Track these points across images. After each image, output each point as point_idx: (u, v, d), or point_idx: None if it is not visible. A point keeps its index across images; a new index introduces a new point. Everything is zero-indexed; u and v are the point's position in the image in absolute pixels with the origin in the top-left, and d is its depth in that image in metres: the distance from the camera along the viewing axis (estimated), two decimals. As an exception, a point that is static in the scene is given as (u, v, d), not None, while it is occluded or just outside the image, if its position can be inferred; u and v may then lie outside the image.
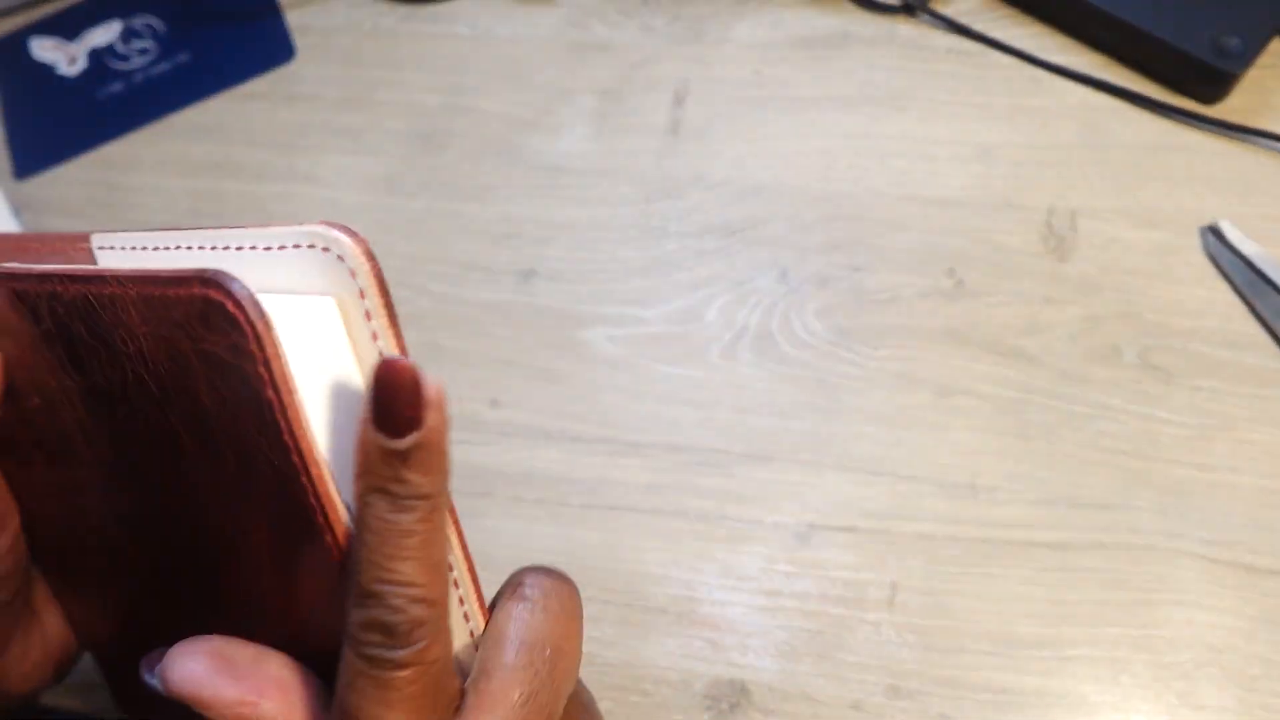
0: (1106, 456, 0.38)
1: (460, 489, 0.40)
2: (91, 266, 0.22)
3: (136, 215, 0.49)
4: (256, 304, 0.18)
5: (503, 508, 0.40)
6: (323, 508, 0.19)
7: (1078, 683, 0.35)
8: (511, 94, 0.49)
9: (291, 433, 0.19)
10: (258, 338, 0.18)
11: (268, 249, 0.20)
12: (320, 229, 0.19)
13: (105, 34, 0.54)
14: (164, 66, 0.53)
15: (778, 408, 0.40)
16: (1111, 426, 0.38)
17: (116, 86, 0.53)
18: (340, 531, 0.20)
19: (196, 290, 0.18)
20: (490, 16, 0.51)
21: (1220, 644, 0.35)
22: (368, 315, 0.20)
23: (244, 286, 0.18)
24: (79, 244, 0.23)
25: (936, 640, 0.36)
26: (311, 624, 0.22)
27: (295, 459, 0.19)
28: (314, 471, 0.19)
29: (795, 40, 0.48)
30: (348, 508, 0.20)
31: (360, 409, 0.19)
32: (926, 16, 0.47)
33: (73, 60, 0.54)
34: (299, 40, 0.52)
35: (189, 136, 0.51)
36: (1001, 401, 0.39)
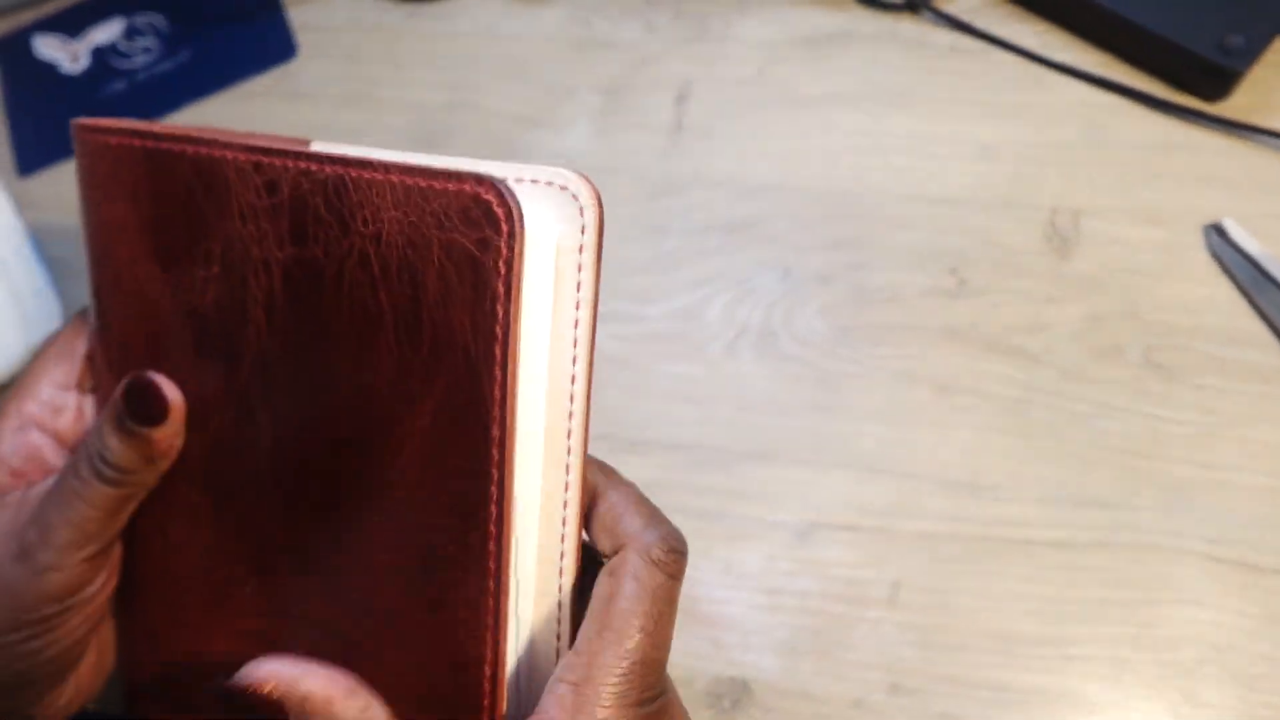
0: (1109, 455, 0.38)
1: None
2: (356, 152, 0.24)
3: (139, 213, 0.49)
4: (520, 212, 0.21)
5: (504, 505, 0.40)
6: (504, 398, 0.22)
7: (1080, 681, 0.35)
8: (514, 92, 0.49)
9: (505, 325, 0.22)
10: (510, 237, 0.21)
11: (518, 180, 0.23)
12: (567, 171, 0.22)
13: (108, 32, 0.54)
14: (166, 65, 0.53)
15: (779, 406, 0.40)
16: (1114, 425, 0.38)
17: (119, 85, 0.53)
18: (510, 424, 0.22)
19: (468, 187, 0.22)
20: (493, 14, 0.51)
21: (1222, 642, 0.35)
22: (579, 267, 0.23)
23: (514, 194, 0.21)
24: (299, 145, 0.26)
25: (938, 638, 0.36)
26: (429, 520, 0.24)
27: (498, 350, 0.22)
28: (510, 365, 0.22)
29: (798, 39, 0.48)
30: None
31: (537, 348, 0.22)
32: (929, 14, 0.47)
33: (75, 58, 0.54)
34: (301, 38, 0.52)
35: (192, 134, 0.51)
36: (1003, 400, 0.39)
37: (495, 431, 0.22)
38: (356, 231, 0.23)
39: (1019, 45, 0.45)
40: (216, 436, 0.27)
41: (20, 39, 0.54)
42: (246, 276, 0.25)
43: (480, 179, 0.22)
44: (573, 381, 0.23)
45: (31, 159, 0.51)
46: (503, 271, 0.22)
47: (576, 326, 0.23)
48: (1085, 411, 0.38)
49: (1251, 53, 0.40)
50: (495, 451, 0.23)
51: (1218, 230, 0.40)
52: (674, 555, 0.24)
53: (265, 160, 0.24)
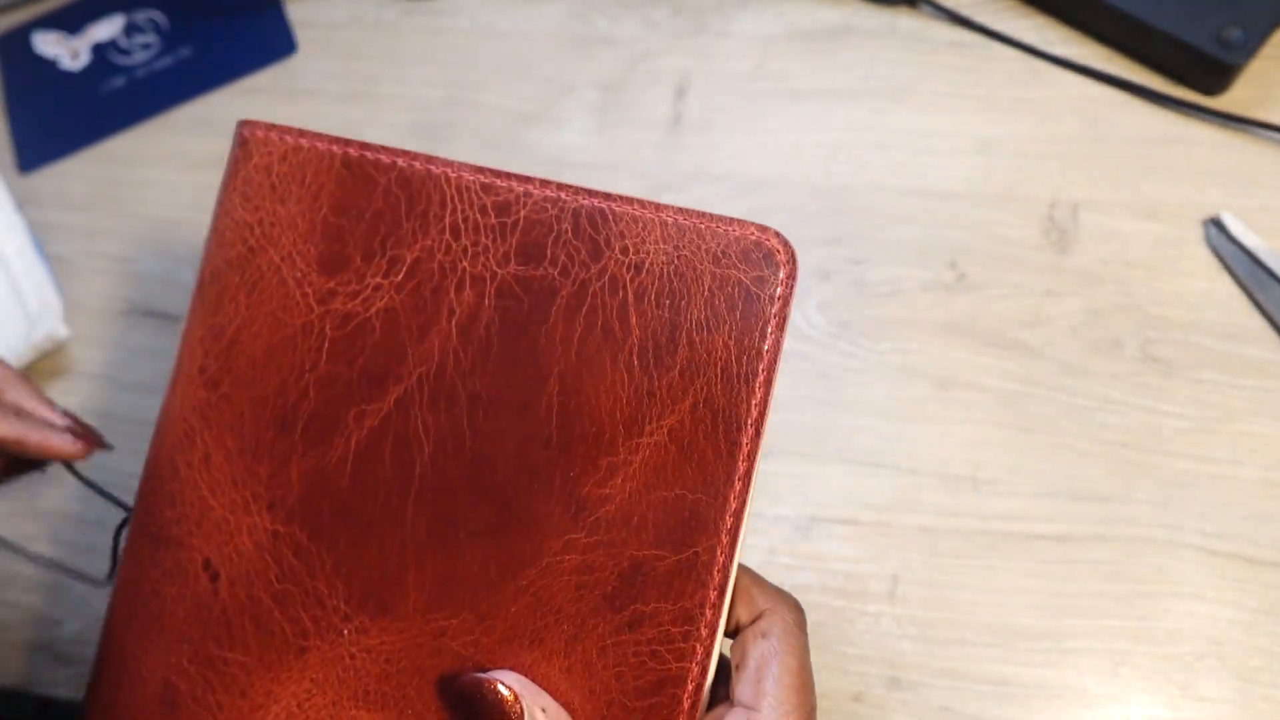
0: (1107, 449, 0.38)
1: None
2: (616, 192, 0.26)
3: (140, 209, 0.49)
4: (796, 258, 0.25)
5: (505, 500, 0.40)
6: (758, 417, 0.25)
7: (1078, 674, 0.35)
8: (513, 87, 0.49)
9: (773, 351, 0.25)
10: (789, 279, 0.25)
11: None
12: (770, 230, 0.26)
13: (108, 28, 0.54)
14: (166, 61, 0.53)
15: (779, 400, 0.40)
16: (1112, 419, 0.38)
17: (119, 81, 0.53)
18: (757, 443, 0.25)
19: (751, 233, 0.25)
20: (492, 10, 0.51)
21: (1220, 636, 0.35)
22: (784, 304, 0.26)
23: (790, 245, 0.25)
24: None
25: (937, 632, 0.36)
26: (638, 537, 0.25)
27: (763, 372, 0.25)
28: (769, 388, 0.25)
29: (797, 33, 0.48)
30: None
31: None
32: (928, 8, 0.47)
33: (75, 55, 0.54)
34: (300, 34, 0.52)
35: (191, 131, 0.51)
36: (1002, 394, 0.39)
37: (745, 447, 0.25)
38: (612, 259, 0.25)
39: (1018, 39, 0.45)
40: (344, 453, 0.26)
41: (20, 36, 0.54)
42: (444, 288, 0.26)
43: (763, 227, 0.25)
44: (762, 421, 0.26)
45: (32, 156, 0.51)
46: (777, 305, 0.25)
47: (774, 369, 0.26)
48: (1084, 405, 0.39)
49: (1250, 46, 0.40)
50: (742, 465, 0.25)
51: (1216, 224, 0.40)
52: (803, 615, 0.26)
53: (500, 183, 0.26)
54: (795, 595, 0.37)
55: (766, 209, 0.44)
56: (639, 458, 0.25)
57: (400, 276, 0.26)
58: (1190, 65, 0.42)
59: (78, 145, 0.51)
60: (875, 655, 0.36)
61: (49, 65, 0.54)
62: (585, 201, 0.26)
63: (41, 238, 0.49)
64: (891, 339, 0.41)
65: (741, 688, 0.25)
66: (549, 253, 0.25)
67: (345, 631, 0.25)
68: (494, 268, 0.26)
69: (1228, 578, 0.35)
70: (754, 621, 0.26)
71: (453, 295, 0.26)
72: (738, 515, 0.25)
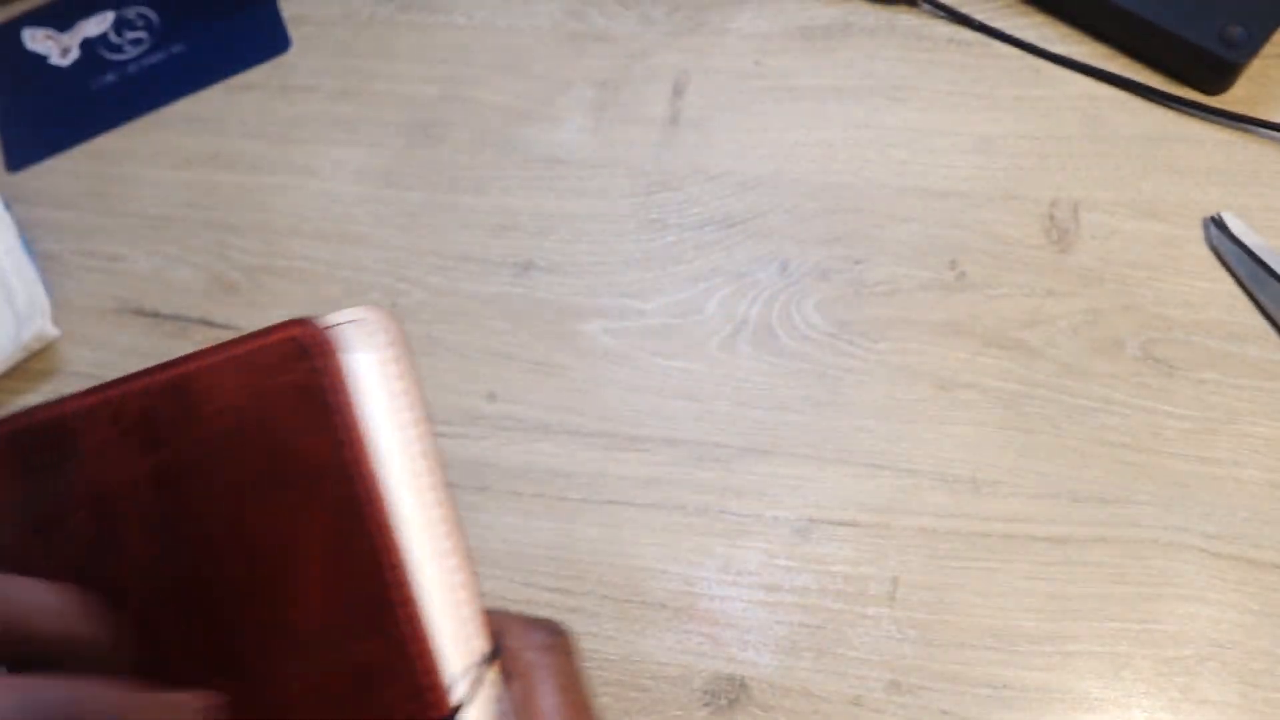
0: (1108, 450, 0.37)
1: (458, 483, 0.40)
2: (178, 356, 0.26)
3: (130, 207, 0.49)
4: (331, 333, 0.25)
5: (500, 502, 0.40)
6: (371, 498, 0.24)
7: (1079, 678, 0.34)
8: (509, 85, 0.48)
9: (349, 427, 0.24)
10: (329, 355, 0.24)
11: (323, 325, 0.25)
12: (358, 309, 0.25)
13: (98, 24, 0.53)
14: (158, 57, 0.52)
15: (777, 401, 0.40)
16: (1114, 420, 0.38)
17: (110, 77, 0.52)
18: (385, 516, 0.24)
19: (280, 334, 0.25)
20: (488, 7, 0.50)
21: (1223, 638, 0.34)
22: (399, 376, 0.25)
23: (319, 321, 0.24)
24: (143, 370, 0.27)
25: (937, 635, 0.36)
26: (349, 640, 0.25)
27: (348, 453, 0.24)
28: (366, 462, 0.24)
29: (796, 30, 0.47)
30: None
31: (389, 428, 0.25)
32: (928, 6, 0.46)
33: (65, 51, 0.53)
34: (294, 30, 0.52)
35: (183, 128, 0.50)
36: (1003, 395, 0.39)
37: (374, 532, 0.25)
38: (207, 417, 0.25)
39: (1018, 37, 0.45)
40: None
41: (9, 32, 0.54)
42: (116, 505, 0.26)
43: (289, 323, 0.25)
44: (430, 475, 0.25)
45: (21, 154, 0.51)
46: (336, 388, 0.25)
47: (416, 426, 0.25)
48: (1085, 406, 0.38)
49: (1252, 45, 0.40)
50: (383, 554, 0.25)
51: (1217, 223, 0.40)
52: (561, 638, 0.26)
53: (102, 397, 0.25)
54: (794, 598, 0.36)
55: (764, 208, 0.43)
56: (313, 576, 0.25)
57: (83, 512, 0.26)
58: (1192, 64, 0.42)
59: (67, 143, 0.51)
60: (875, 658, 0.36)
61: (39, 61, 0.53)
62: (166, 376, 0.25)
63: (30, 236, 0.48)
64: (890, 339, 0.40)
65: None
66: (163, 436, 0.25)
67: None
68: (139, 468, 0.25)
69: (1230, 580, 0.35)
70: (509, 665, 0.26)
71: (125, 507, 0.26)
72: (405, 591, 0.25)
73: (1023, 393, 0.39)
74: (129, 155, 0.50)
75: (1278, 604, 0.35)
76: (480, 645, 0.26)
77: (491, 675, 0.26)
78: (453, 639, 0.25)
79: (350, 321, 0.26)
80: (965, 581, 0.36)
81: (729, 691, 0.36)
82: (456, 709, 0.25)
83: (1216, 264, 0.40)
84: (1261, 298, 0.39)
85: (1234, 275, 0.40)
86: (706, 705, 0.36)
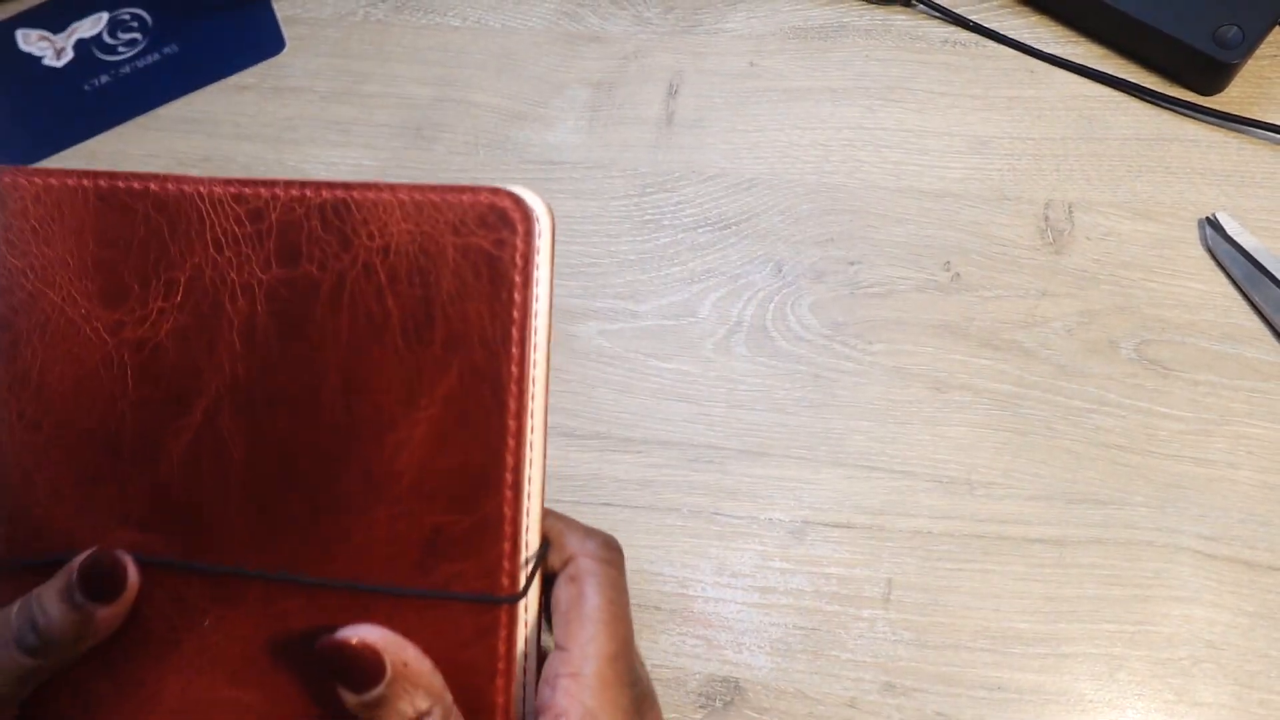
0: (1103, 451, 0.37)
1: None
2: (356, 180, 0.27)
3: (124, 209, 0.49)
4: (532, 213, 0.25)
5: (495, 504, 0.40)
6: (520, 376, 0.25)
7: (1074, 680, 0.34)
8: (503, 86, 0.48)
9: (523, 310, 0.25)
10: (527, 235, 0.25)
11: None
12: (516, 186, 0.26)
13: (92, 25, 0.53)
14: (151, 58, 0.52)
15: (772, 403, 0.40)
16: (1108, 421, 0.38)
17: (103, 78, 0.52)
18: (524, 401, 0.25)
19: (483, 198, 0.25)
20: (481, 8, 0.50)
21: (1218, 640, 0.34)
22: (550, 263, 0.26)
23: (526, 201, 0.25)
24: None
25: (932, 637, 0.35)
26: (434, 504, 0.26)
27: (515, 332, 0.25)
28: (526, 347, 0.25)
29: (790, 31, 0.47)
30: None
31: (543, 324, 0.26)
32: (922, 7, 0.46)
33: (59, 52, 0.53)
34: (288, 31, 0.52)
35: (177, 129, 0.50)
36: (998, 396, 0.39)
37: (512, 406, 0.25)
38: (361, 246, 0.26)
39: (1013, 38, 0.45)
40: (171, 467, 0.27)
41: (3, 33, 0.54)
42: (220, 302, 0.27)
43: (494, 190, 0.25)
44: (546, 370, 0.26)
45: (14, 155, 0.51)
46: (520, 264, 0.25)
47: (542, 317, 0.26)
48: (1080, 407, 0.38)
49: (1246, 45, 0.40)
50: (512, 423, 0.26)
51: (1212, 224, 0.40)
52: (615, 552, 0.27)
53: (249, 191, 0.26)
54: (789, 600, 0.36)
55: (759, 209, 0.43)
56: (420, 431, 0.26)
57: (179, 298, 0.27)
58: (1186, 64, 0.42)
59: (61, 144, 0.50)
60: (870, 660, 0.35)
61: (33, 62, 0.53)
62: (328, 195, 0.26)
63: (24, 238, 0.48)
64: (885, 340, 0.40)
65: (558, 631, 0.26)
66: (304, 250, 0.26)
67: (206, 622, 0.27)
68: (259, 274, 0.27)
69: (1225, 582, 0.35)
70: (564, 567, 0.27)
71: (229, 307, 0.27)
72: (517, 471, 0.25)
73: (1017, 394, 0.39)
74: (123, 157, 0.50)
75: (1272, 605, 0.35)
76: (538, 540, 0.26)
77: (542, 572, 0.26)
78: (528, 530, 0.26)
79: (536, 204, 0.26)
80: (960, 583, 0.36)
81: (724, 694, 0.36)
82: (518, 595, 0.25)
83: (1212, 265, 0.40)
84: (1256, 298, 0.39)
85: (1229, 276, 0.40)
86: (702, 708, 0.36)
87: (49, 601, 0.25)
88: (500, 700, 0.25)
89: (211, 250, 0.27)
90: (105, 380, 0.27)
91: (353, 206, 0.26)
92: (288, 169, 0.48)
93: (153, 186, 0.27)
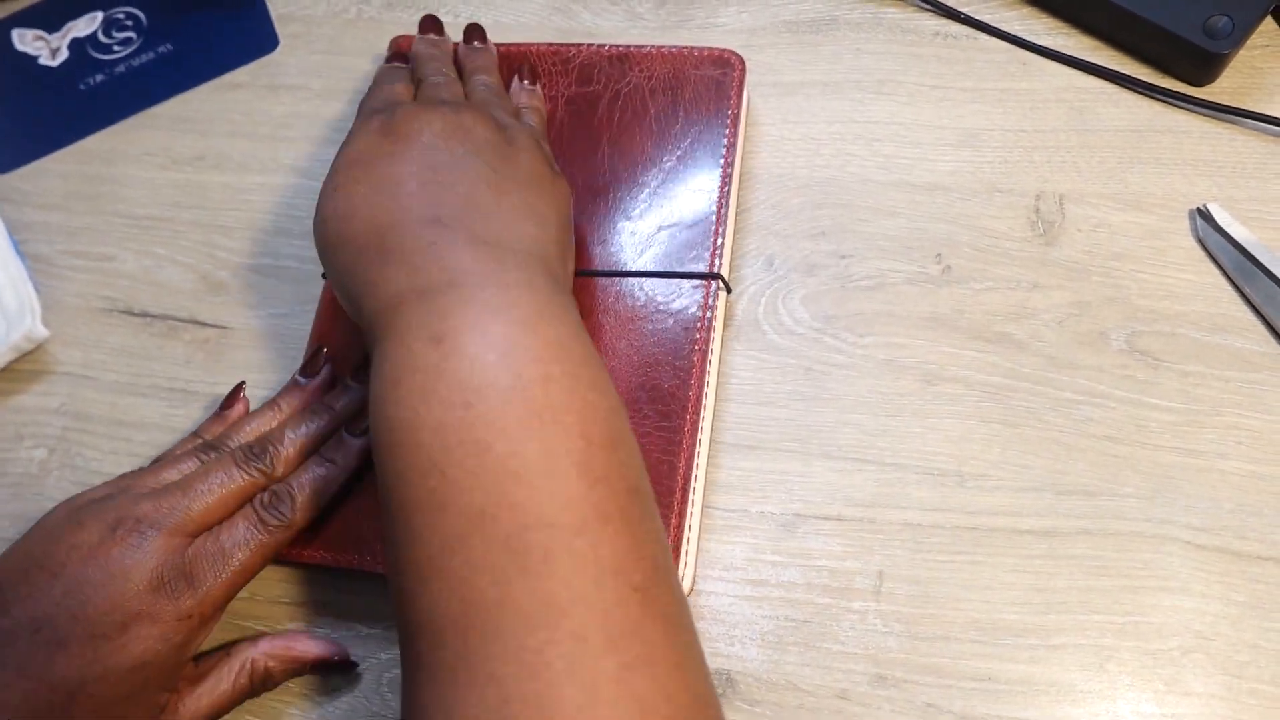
0: (1093, 443, 0.37)
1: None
2: (633, 43, 0.45)
3: (119, 208, 0.49)
4: (743, 60, 0.43)
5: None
6: (732, 145, 0.42)
7: (1064, 670, 0.35)
8: (496, 82, 0.48)
9: (737, 109, 0.42)
10: (742, 72, 0.43)
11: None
12: (727, 50, 0.43)
13: (87, 24, 0.54)
14: (146, 57, 0.52)
15: (763, 396, 0.40)
16: (1099, 412, 0.38)
17: (98, 77, 0.52)
18: (736, 165, 0.42)
19: (715, 51, 0.43)
20: (473, 4, 0.50)
21: (1207, 630, 0.34)
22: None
23: (740, 55, 0.43)
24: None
25: (923, 629, 0.36)
26: (677, 206, 0.42)
27: (730, 120, 0.42)
28: (738, 133, 0.42)
29: (782, 25, 0.47)
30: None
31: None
32: (913, 0, 0.46)
33: (55, 52, 0.53)
34: (282, 29, 0.52)
35: (172, 128, 0.50)
36: (988, 388, 0.39)
37: (727, 159, 0.41)
38: (634, 75, 0.43)
39: (1004, 30, 0.45)
40: None
41: (-2, 33, 0.54)
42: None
43: (722, 49, 0.43)
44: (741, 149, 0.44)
45: (10, 155, 0.51)
46: (735, 85, 0.43)
47: (743, 120, 0.44)
48: (1070, 399, 0.38)
49: (1237, 36, 0.40)
50: (726, 164, 0.41)
51: (1203, 215, 0.40)
52: None
53: (561, 48, 0.45)
54: (780, 593, 0.37)
55: (750, 203, 0.43)
56: (661, 178, 0.42)
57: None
58: (1177, 55, 0.42)
59: (57, 143, 0.51)
60: (860, 652, 0.36)
61: (28, 62, 0.53)
62: (614, 50, 0.44)
63: (19, 237, 0.48)
64: (876, 333, 0.40)
65: None
66: (594, 76, 0.44)
67: None
68: (562, 91, 0.44)
69: (1215, 572, 0.35)
70: None
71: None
72: (726, 194, 0.41)
73: (1008, 386, 0.39)
74: (118, 155, 0.50)
75: (1262, 595, 0.35)
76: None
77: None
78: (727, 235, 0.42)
79: (743, 57, 0.43)
80: (950, 575, 0.36)
81: (716, 686, 0.36)
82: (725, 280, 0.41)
83: (1203, 256, 0.40)
84: (1247, 289, 0.39)
85: (1220, 267, 0.40)
86: (693, 700, 0.36)
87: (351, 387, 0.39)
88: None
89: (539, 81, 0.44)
90: None
91: (630, 55, 0.44)
92: (283, 166, 0.48)
93: (501, 49, 0.45)
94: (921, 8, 0.46)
